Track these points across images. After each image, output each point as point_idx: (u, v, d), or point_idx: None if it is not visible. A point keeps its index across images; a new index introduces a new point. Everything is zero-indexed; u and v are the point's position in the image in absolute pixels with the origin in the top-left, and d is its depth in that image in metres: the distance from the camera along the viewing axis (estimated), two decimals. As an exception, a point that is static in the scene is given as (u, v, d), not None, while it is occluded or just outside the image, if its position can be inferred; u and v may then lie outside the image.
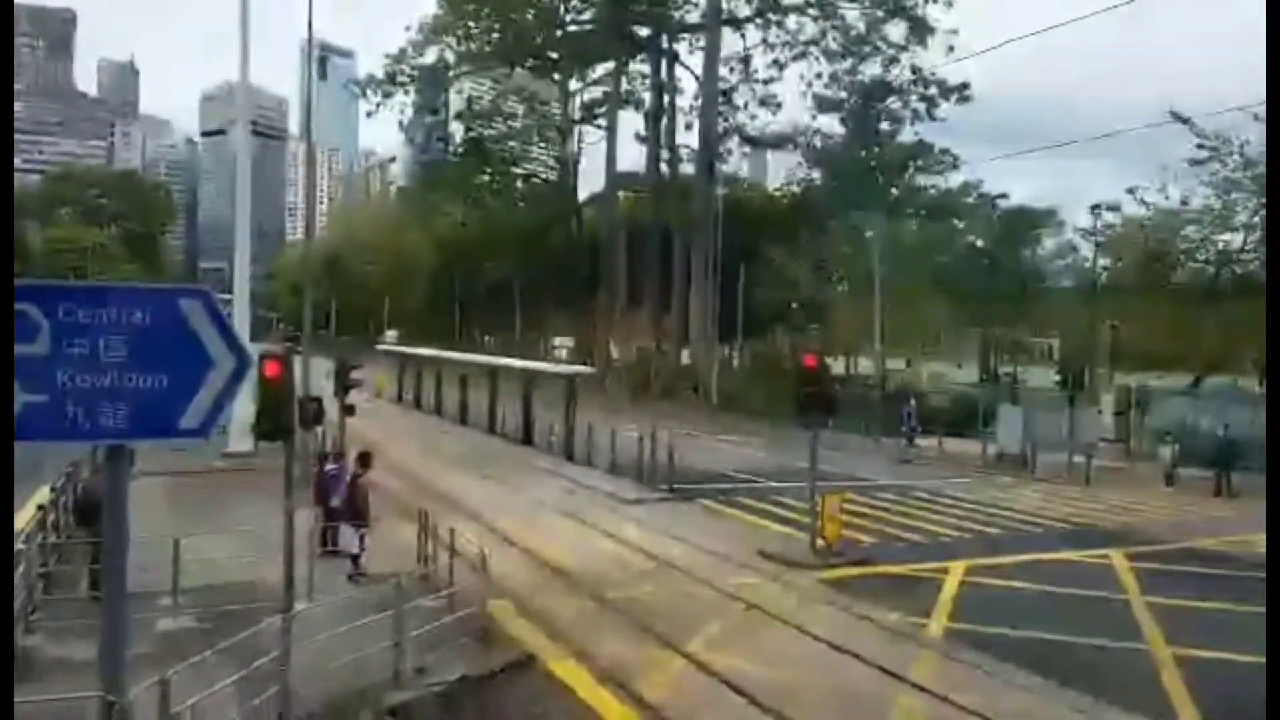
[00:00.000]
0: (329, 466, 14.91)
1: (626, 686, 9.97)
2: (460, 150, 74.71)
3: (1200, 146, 41.70)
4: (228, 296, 22.33)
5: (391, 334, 73.16)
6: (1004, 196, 59.23)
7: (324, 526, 13.59)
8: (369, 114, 69.51)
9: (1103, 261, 48.55)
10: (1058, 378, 37.35)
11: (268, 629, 8.57)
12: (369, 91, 66.14)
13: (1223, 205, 44.16)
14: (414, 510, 14.95)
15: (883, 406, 40.23)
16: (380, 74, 65.61)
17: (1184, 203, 45.44)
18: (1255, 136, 38.76)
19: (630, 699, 9.69)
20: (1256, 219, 42.65)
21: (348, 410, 19.35)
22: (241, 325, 22.30)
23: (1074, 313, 48.14)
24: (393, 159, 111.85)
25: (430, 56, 66.38)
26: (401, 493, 19.37)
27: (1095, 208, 43.80)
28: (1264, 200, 40.35)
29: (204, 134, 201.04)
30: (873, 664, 10.87)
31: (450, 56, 67.17)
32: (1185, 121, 40.96)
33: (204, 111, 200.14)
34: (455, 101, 77.33)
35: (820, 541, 16.69)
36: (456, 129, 76.18)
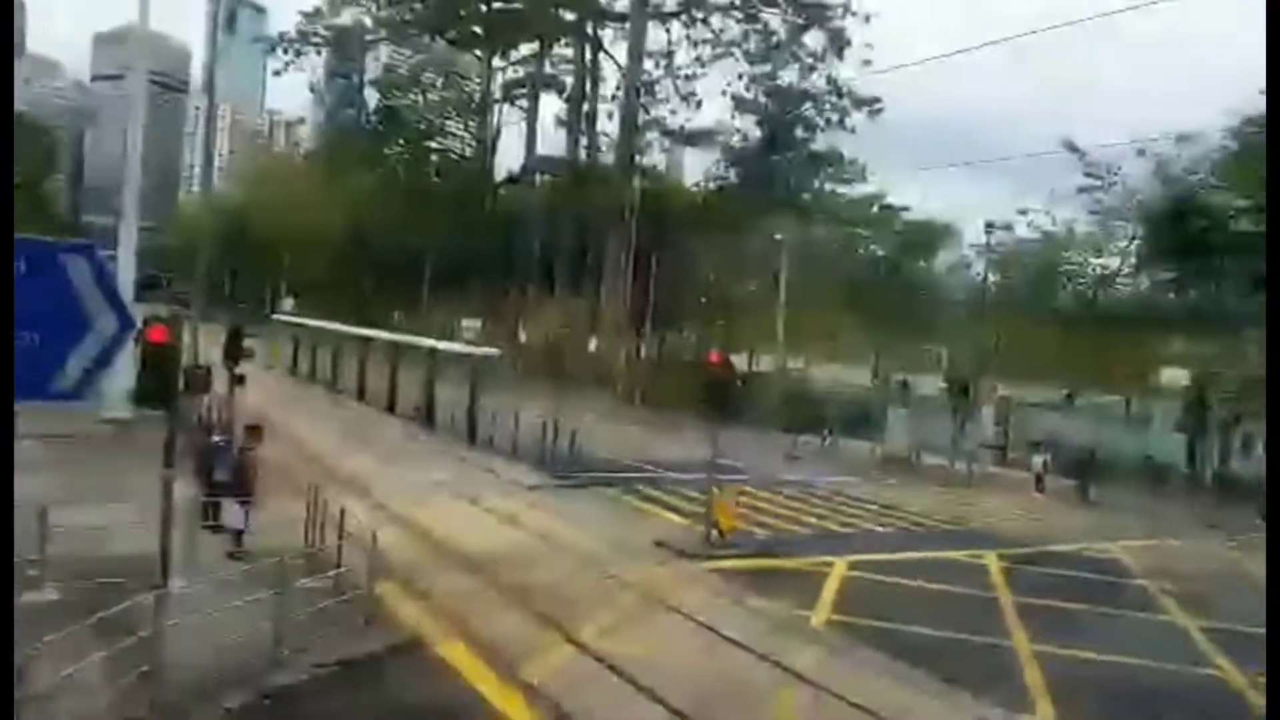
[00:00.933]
0: (215, 438, 14.40)
1: (513, 670, 9.96)
2: (374, 118, 72.68)
3: (1087, 175, 43.95)
4: (114, 254, 21.24)
5: (290, 303, 70.74)
6: (906, 209, 61.21)
7: (206, 500, 13.11)
8: (277, 73, 67.11)
9: (993, 278, 50.69)
10: (944, 385, 38.88)
11: (140, 605, 8.23)
12: (279, 49, 63.73)
13: (1103, 232, 46.72)
14: (303, 487, 14.56)
15: (783, 404, 41.12)
16: (292, 32, 63.30)
17: (1069, 229, 47.97)
18: (1137, 169, 41.07)
19: (515, 682, 9.69)
20: (1132, 246, 45.29)
21: (237, 380, 18.65)
22: (126, 285, 21.25)
23: (963, 325, 50.11)
24: (301, 121, 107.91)
25: (347, 19, 64.41)
26: (291, 469, 18.78)
27: (989, 226, 45.61)
28: (1140, 229, 42.95)
29: (96, 78, 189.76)
30: (757, 653, 11.13)
31: (368, 21, 65.30)
32: (1076, 151, 43.10)
33: (97, 54, 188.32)
34: (371, 68, 75.22)
35: (714, 533, 17.00)
36: (371, 96, 74.16)
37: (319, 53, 65.16)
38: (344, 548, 11.97)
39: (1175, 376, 40.74)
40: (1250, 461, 33.20)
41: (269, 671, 9.00)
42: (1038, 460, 31.05)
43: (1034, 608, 14.58)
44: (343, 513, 12.42)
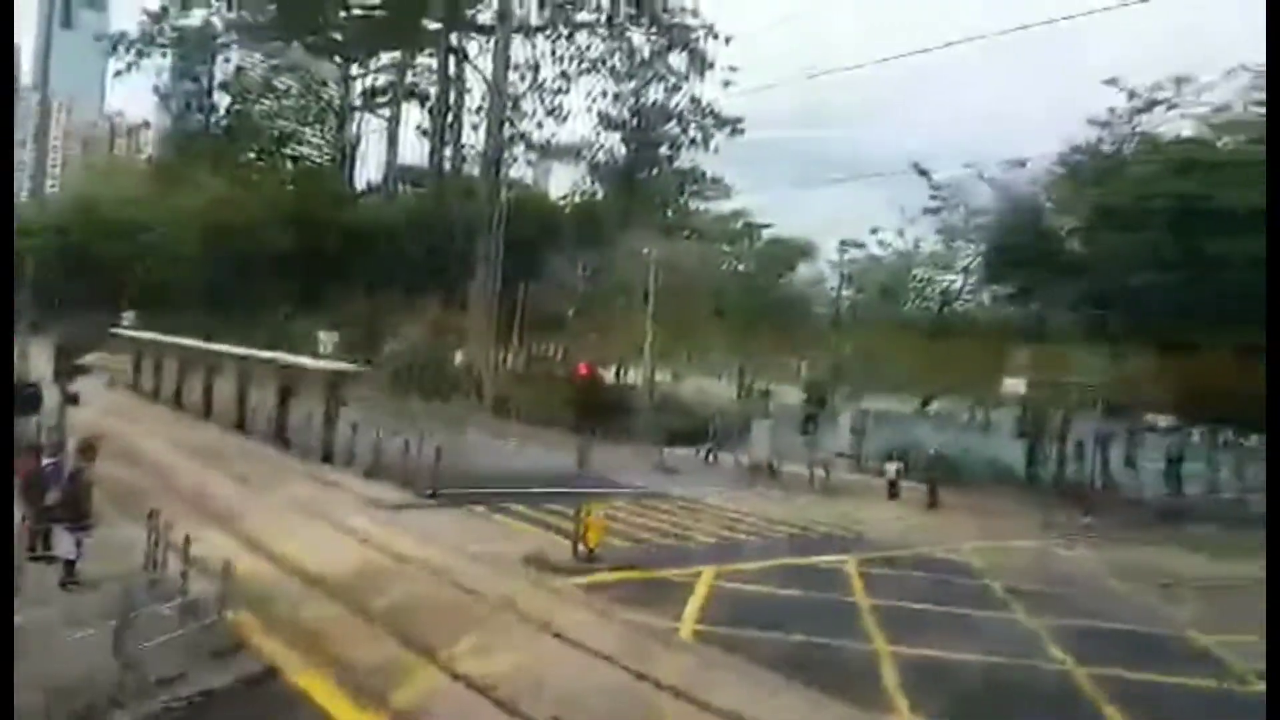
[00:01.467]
0: (45, 460, 13.34)
1: (375, 696, 9.66)
2: (224, 124, 69.44)
3: (934, 197, 46.53)
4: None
5: (131, 316, 66.43)
6: (767, 226, 63.28)
7: (35, 528, 12.14)
8: (118, 74, 63.31)
9: (848, 292, 53.02)
10: (805, 396, 40.27)
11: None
12: (121, 49, 60.09)
13: (948, 250, 49.61)
14: (145, 511, 13.69)
15: (650, 416, 41.56)
16: (136, 32, 59.83)
17: (916, 246, 50.76)
18: (980, 191, 43.79)
19: (378, 708, 9.40)
20: (975, 263, 48.26)
21: (70, 399, 17.38)
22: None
23: (821, 338, 52.17)
24: (145, 125, 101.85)
25: (195, 19, 61.40)
26: (131, 491, 17.64)
27: (843, 243, 47.74)
28: (981, 248, 45.76)
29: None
30: (626, 667, 11.17)
31: (217, 22, 62.46)
32: (923, 174, 45.57)
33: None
34: (221, 71, 71.92)
35: (582, 547, 16.98)
36: (221, 100, 70.87)
37: (165, 54, 61.82)
38: (190, 574, 11.34)
39: (1014, 385, 43.53)
40: (1081, 465, 35.57)
41: (113, 708, 8.40)
42: (891, 467, 32.49)
43: (890, 610, 15.23)
44: (187, 537, 11.77)
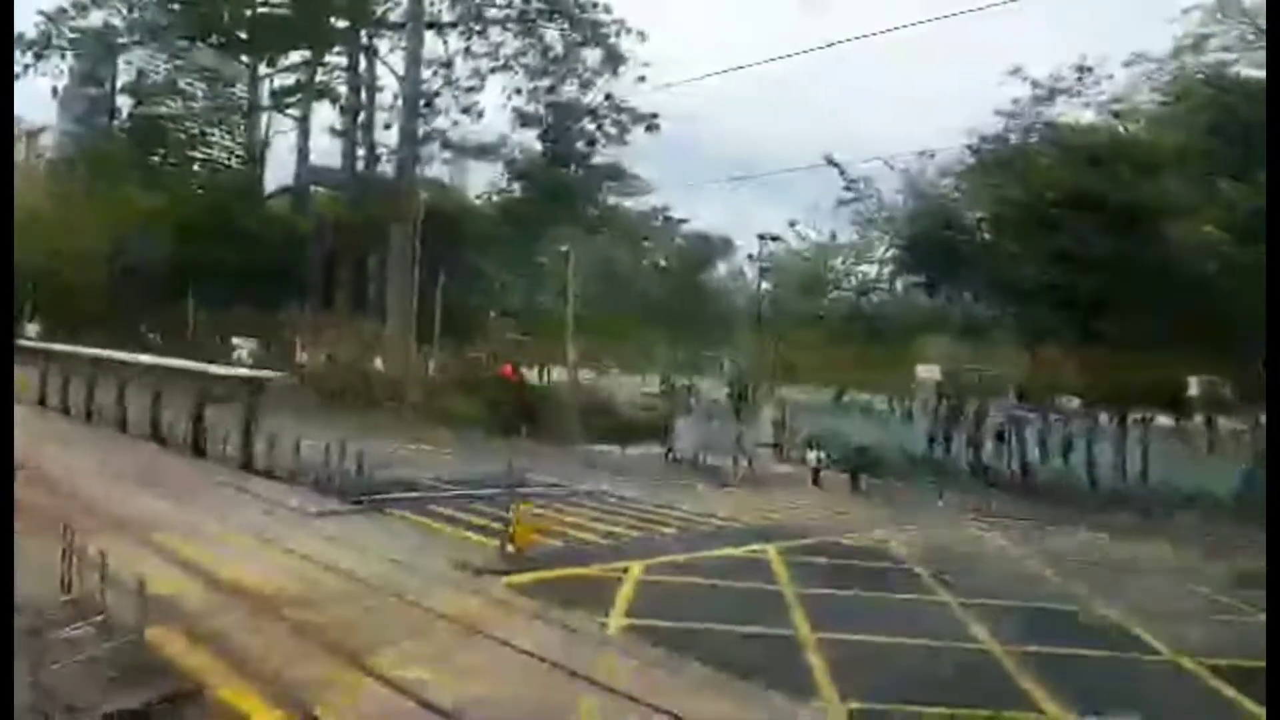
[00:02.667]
0: (-56, 482, 12.86)
1: (304, 709, 9.63)
2: (128, 127, 67.01)
3: (847, 189, 47.70)
4: None
5: (34, 327, 63.71)
6: (685, 221, 63.93)
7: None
8: (15, 76, 60.52)
9: (766, 286, 53.94)
10: (727, 390, 40.91)
11: None
12: (17, 51, 57.51)
13: (863, 241, 50.91)
14: (58, 529, 13.31)
15: (575, 414, 41.67)
16: (31, 33, 57.38)
17: (833, 237, 51.94)
18: (892, 183, 45.08)
19: (304, 717, 9.38)
20: (890, 254, 49.56)
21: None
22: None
23: (742, 331, 53.03)
24: (43, 129, 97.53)
25: (95, 20, 59.16)
26: (39, 509, 17.06)
27: (761, 237, 48.58)
28: (894, 238, 47.13)
29: None
30: (556, 664, 11.32)
31: (119, 23, 60.27)
32: (836, 166, 46.68)
33: None
34: (124, 73, 69.40)
35: (511, 547, 17.07)
36: (125, 103, 68.40)
37: (64, 56, 59.44)
38: (108, 592, 11.10)
39: (930, 374, 44.95)
40: (990, 450, 36.84)
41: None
42: (813, 456, 33.29)
43: (815, 596, 15.67)
44: (104, 555, 11.51)
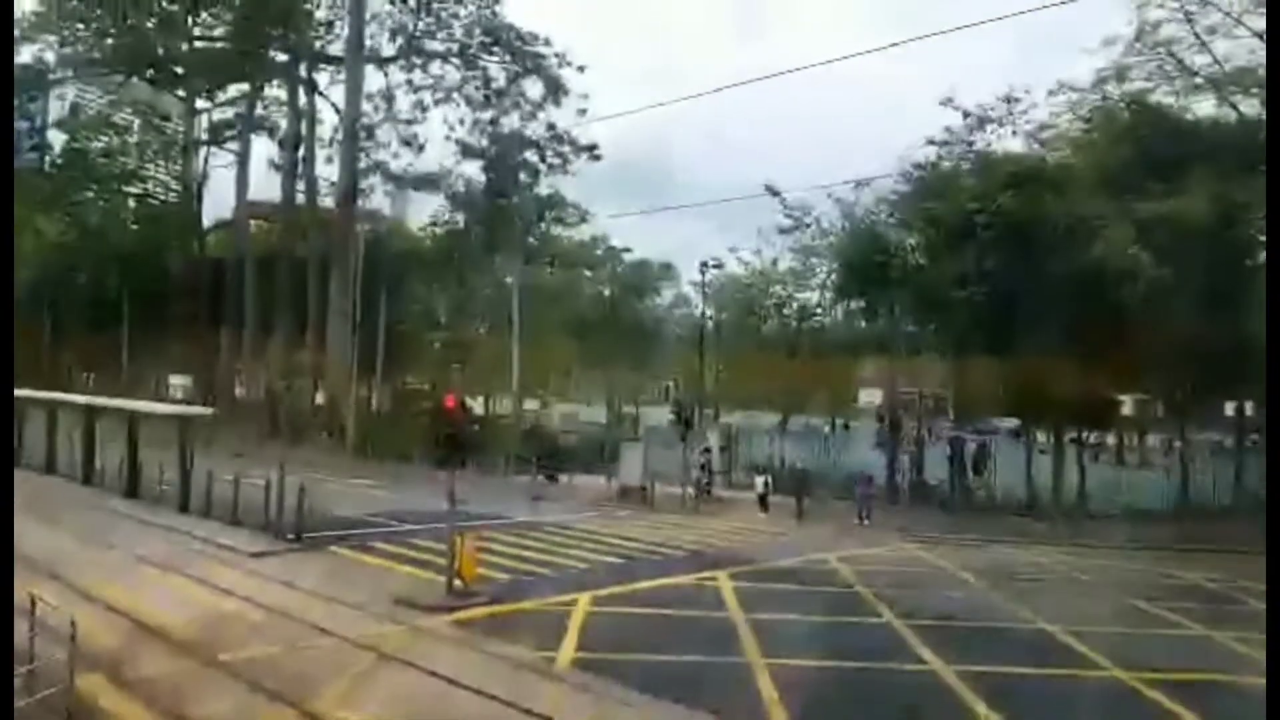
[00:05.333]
0: None
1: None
2: (59, 162, 65.39)
3: (787, 216, 48.43)
4: None
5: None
6: (628, 250, 64.40)
7: None
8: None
9: (709, 312, 54.43)
10: (672, 416, 41.05)
11: None
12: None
13: (804, 268, 51.74)
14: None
15: (520, 445, 41.52)
16: (-41, 67, 55.81)
17: (774, 264, 52.71)
18: (830, 210, 45.94)
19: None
20: (830, 280, 50.41)
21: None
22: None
23: (686, 357, 53.37)
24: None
25: (25, 56, 57.81)
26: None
27: (704, 264, 49.01)
28: (833, 264, 47.93)
29: None
30: (504, 701, 11.24)
31: (50, 57, 59.03)
32: (776, 194, 47.34)
33: None
34: (55, 108, 67.77)
35: (457, 582, 16.92)
36: (57, 138, 66.73)
37: (-9, 90, 57.90)
38: (37, 640, 10.77)
39: (870, 397, 45.68)
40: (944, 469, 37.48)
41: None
42: (759, 480, 33.48)
43: (764, 622, 15.70)
44: (33, 600, 11.17)
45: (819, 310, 52.24)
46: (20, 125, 65.54)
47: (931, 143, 39.32)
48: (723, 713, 11.13)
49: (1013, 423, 40.60)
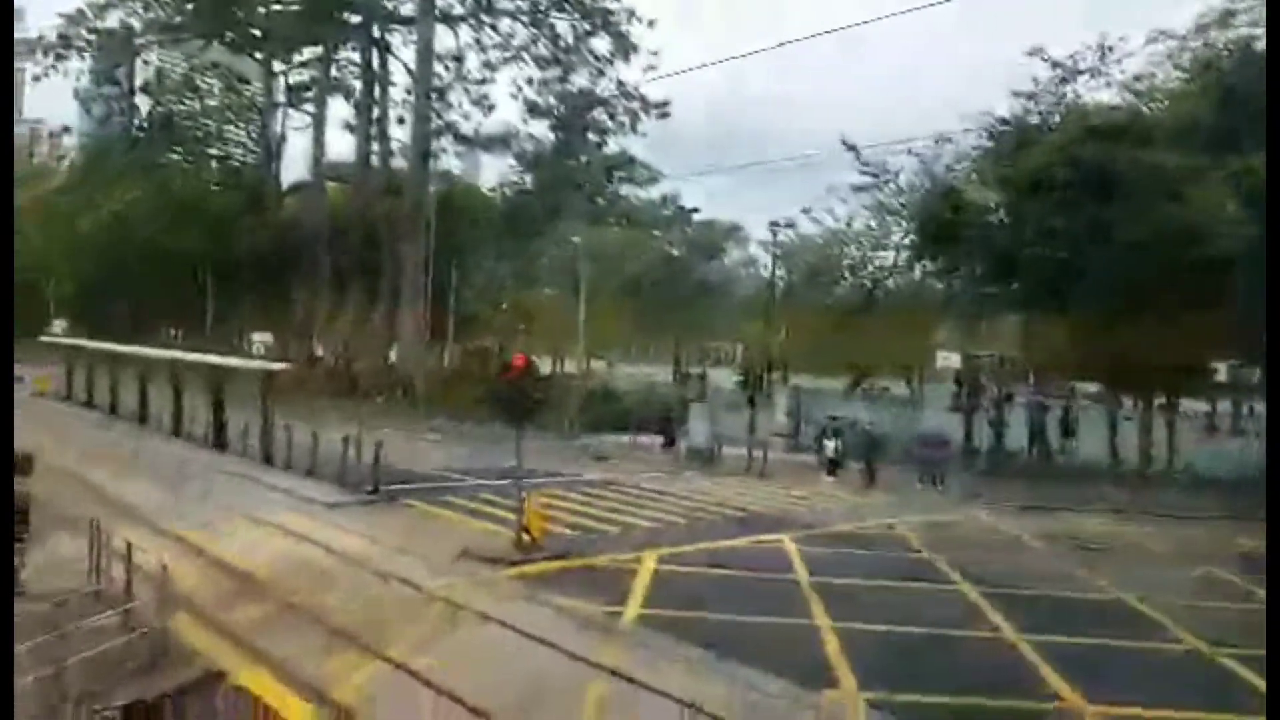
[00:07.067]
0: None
1: (322, 694, 9.81)
2: (146, 126, 67.51)
3: (863, 174, 47.04)
4: None
5: (59, 324, 64.60)
6: (696, 210, 63.80)
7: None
8: (37, 78, 61.14)
9: (779, 273, 53.56)
10: (739, 378, 40.72)
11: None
12: (38, 53, 58.11)
13: (879, 227, 50.28)
14: (83, 522, 13.61)
15: (585, 405, 41.83)
16: (52, 35, 57.87)
17: (848, 224, 51.31)
18: (909, 166, 44.51)
19: (326, 706, 9.55)
20: (908, 240, 49.01)
21: None
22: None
23: (754, 319, 52.77)
24: (66, 130, 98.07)
25: (113, 21, 59.56)
26: (69, 502, 17.42)
27: (774, 224, 48.13)
28: (911, 224, 46.54)
29: None
30: (570, 654, 11.46)
31: (136, 23, 60.67)
32: (853, 149, 45.90)
33: None
34: (141, 72, 69.80)
35: (525, 537, 17.26)
36: (143, 102, 68.85)
37: (83, 57, 59.94)
38: (133, 582, 11.37)
39: (947, 360, 44.63)
40: (1012, 439, 36.56)
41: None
42: (829, 445, 33.06)
43: (830, 586, 15.66)
44: (129, 546, 11.78)
45: (894, 271, 50.85)
46: (109, 90, 67.84)
47: (1017, 95, 37.69)
48: (789, 675, 11.07)
49: (1094, 388, 39.33)
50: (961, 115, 39.02)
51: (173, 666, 10.17)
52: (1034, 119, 37.70)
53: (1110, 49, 36.46)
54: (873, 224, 50.42)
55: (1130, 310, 30.31)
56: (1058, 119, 37.03)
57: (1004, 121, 37.84)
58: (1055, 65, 36.76)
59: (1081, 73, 36.80)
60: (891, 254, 50.68)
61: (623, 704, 10.30)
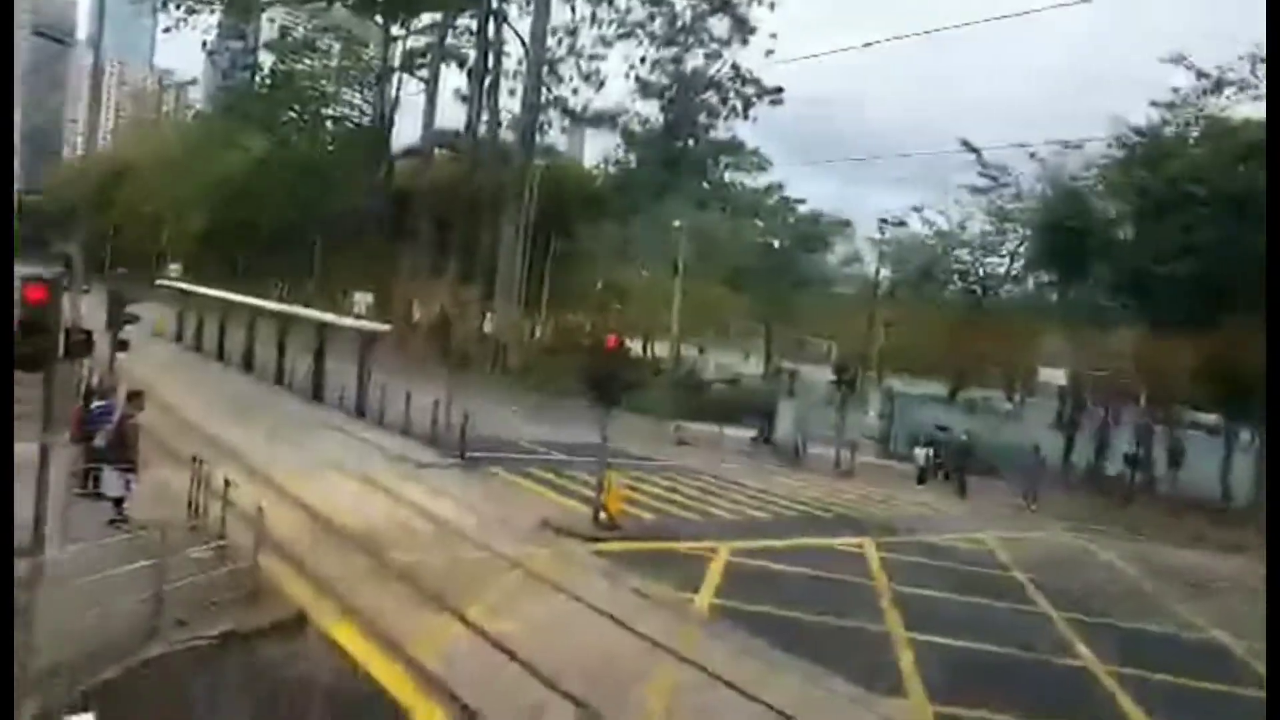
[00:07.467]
0: (96, 404, 13.84)
1: (398, 648, 10.00)
2: (268, 82, 70.04)
3: (982, 175, 45.38)
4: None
5: (175, 269, 67.81)
6: (801, 201, 62.74)
7: (85, 467, 12.65)
8: (167, 30, 64.06)
9: (884, 272, 52.24)
10: (834, 377, 39.98)
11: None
12: (170, 5, 60.84)
13: (995, 232, 48.42)
14: (186, 457, 14.18)
15: (674, 390, 41.73)
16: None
17: (961, 226, 49.57)
18: (1029, 171, 42.76)
19: (401, 660, 9.74)
20: (1022, 249, 47.20)
21: (120, 345, 17.94)
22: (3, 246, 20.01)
23: (853, 317, 51.56)
24: (193, 81, 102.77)
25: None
26: (174, 438, 18.22)
27: (883, 221, 46.98)
28: (1029, 231, 44.76)
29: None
30: (640, 634, 11.40)
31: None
32: (973, 151, 44.29)
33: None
34: (266, 29, 72.42)
35: (602, 515, 17.29)
36: (265, 59, 71.42)
37: (212, 11, 62.49)
38: (228, 520, 11.76)
39: (1053, 374, 42.87)
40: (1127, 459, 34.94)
41: (146, 642, 8.82)
42: (920, 452, 32.27)
43: (909, 595, 15.19)
44: (226, 484, 12.19)
45: (1006, 278, 48.92)
46: (235, 45, 70.56)
47: (1155, 105, 35.58)
48: (857, 680, 10.76)
49: (1210, 418, 37.22)
50: (1090, 121, 37.20)
51: (262, 603, 10.52)
52: (1171, 130, 35.67)
53: (1263, 60, 34.10)
54: (988, 228, 48.72)
55: (1262, 339, 28.41)
56: (1197, 132, 34.94)
57: (1139, 131, 35.91)
58: (1200, 75, 34.48)
59: (1229, 84, 34.39)
60: (1005, 261, 48.93)
61: (679, 683, 10.21)
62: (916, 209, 50.73)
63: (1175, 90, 34.86)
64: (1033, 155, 40.73)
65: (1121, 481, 33.60)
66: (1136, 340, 36.35)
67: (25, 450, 8.93)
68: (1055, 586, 17.32)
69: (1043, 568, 19.22)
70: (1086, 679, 12.27)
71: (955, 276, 51.11)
